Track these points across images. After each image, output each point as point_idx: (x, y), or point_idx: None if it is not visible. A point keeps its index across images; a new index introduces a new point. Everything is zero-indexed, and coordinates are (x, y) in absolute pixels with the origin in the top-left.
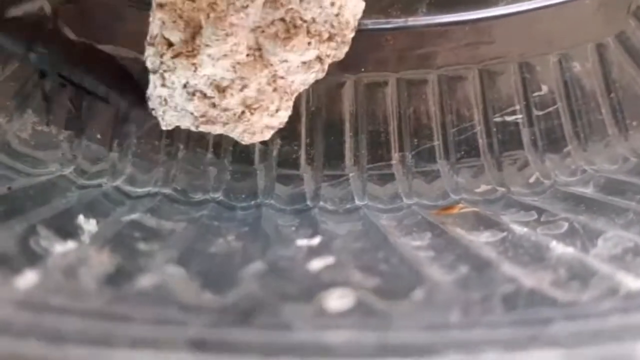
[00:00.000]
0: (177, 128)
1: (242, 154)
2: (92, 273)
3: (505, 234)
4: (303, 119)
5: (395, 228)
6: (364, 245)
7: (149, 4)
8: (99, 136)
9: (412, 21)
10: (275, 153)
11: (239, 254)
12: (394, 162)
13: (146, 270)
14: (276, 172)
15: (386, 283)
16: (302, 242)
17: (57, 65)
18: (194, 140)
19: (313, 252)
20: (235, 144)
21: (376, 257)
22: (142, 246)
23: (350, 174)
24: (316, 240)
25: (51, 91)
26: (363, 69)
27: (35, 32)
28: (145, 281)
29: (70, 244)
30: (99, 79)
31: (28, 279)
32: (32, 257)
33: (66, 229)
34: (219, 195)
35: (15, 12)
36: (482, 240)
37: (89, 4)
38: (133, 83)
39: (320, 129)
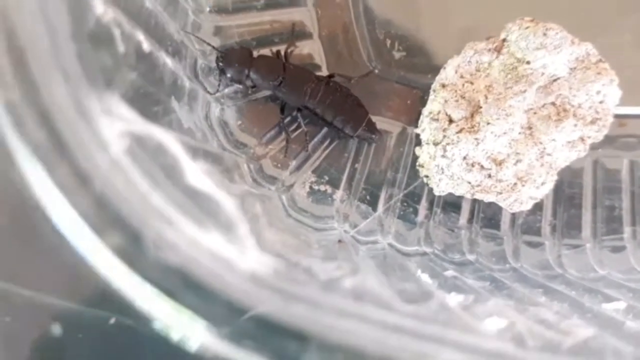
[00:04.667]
0: (431, 193)
1: (491, 220)
2: None
3: None
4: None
5: None
6: None
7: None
8: (368, 198)
9: None
10: (520, 221)
11: None
12: (625, 235)
13: None
14: (521, 238)
15: None
16: None
17: (301, 99)
18: (450, 205)
19: None
20: (485, 210)
21: None
22: None
23: (587, 244)
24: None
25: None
26: (600, 149)
27: (278, 69)
28: None
29: None
30: (338, 110)
31: None
32: None
33: None
34: (474, 257)
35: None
36: None
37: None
38: (365, 114)
39: (563, 202)
